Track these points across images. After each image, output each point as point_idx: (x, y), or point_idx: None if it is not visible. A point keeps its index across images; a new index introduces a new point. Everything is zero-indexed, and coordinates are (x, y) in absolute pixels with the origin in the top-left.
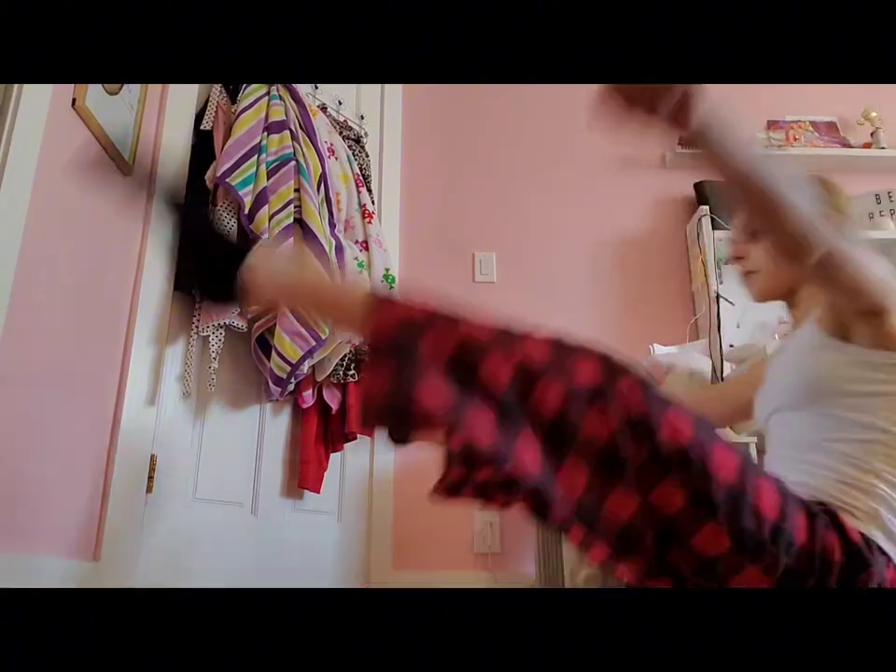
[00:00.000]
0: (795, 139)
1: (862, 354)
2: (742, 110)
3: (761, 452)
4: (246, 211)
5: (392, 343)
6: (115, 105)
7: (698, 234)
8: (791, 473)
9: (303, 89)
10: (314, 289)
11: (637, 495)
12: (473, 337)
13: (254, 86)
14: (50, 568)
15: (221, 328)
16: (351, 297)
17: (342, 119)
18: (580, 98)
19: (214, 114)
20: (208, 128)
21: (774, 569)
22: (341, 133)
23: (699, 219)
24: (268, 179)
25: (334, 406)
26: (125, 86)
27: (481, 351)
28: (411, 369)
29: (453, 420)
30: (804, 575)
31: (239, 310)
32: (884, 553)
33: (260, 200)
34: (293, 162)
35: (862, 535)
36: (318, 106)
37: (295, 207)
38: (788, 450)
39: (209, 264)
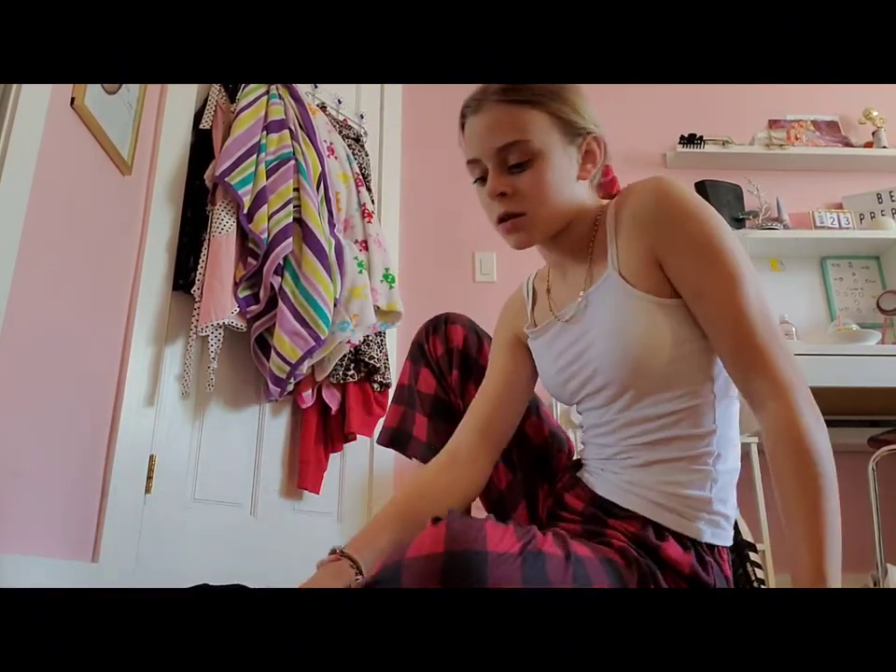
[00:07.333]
0: (797, 138)
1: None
2: (743, 109)
3: (762, 452)
4: (245, 210)
5: None
6: (113, 105)
7: None
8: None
9: (303, 87)
10: None
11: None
12: None
13: (253, 85)
14: (49, 569)
15: (220, 328)
16: None
17: (341, 118)
18: None
19: (213, 113)
20: (207, 127)
21: None
22: (340, 132)
23: None
24: (267, 178)
25: (334, 406)
26: (124, 85)
27: None
28: None
29: None
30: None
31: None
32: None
33: (260, 199)
34: (292, 161)
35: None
36: (318, 105)
37: (294, 207)
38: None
39: None
